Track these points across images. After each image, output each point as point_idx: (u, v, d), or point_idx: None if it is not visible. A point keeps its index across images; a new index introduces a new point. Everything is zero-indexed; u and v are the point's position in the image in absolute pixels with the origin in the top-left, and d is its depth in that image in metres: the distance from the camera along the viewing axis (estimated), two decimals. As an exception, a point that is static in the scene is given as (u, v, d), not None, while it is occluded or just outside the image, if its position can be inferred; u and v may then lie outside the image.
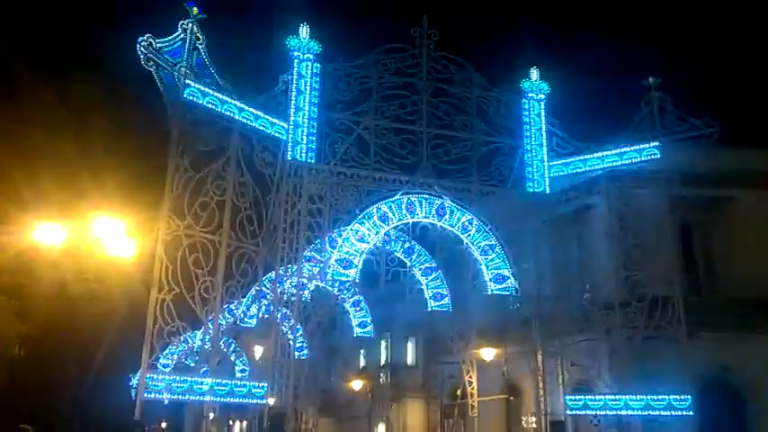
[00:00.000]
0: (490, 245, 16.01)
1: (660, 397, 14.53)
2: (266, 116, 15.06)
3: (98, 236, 11.79)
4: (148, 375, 12.19)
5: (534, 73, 17.54)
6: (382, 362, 30.99)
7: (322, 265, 15.26)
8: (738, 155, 18.97)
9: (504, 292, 15.92)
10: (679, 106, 16.44)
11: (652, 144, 16.14)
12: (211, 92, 14.19)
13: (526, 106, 17.31)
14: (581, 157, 16.82)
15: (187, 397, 12.89)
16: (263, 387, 13.70)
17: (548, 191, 16.73)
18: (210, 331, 13.12)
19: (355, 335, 21.84)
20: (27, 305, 16.11)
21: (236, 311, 13.62)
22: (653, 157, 16.06)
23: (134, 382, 12.85)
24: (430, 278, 18.22)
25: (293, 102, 15.46)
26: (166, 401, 13.23)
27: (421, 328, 25.64)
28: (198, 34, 14.24)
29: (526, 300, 16.22)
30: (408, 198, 15.86)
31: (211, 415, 15.41)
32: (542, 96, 17.44)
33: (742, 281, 18.09)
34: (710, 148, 16.17)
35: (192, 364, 12.86)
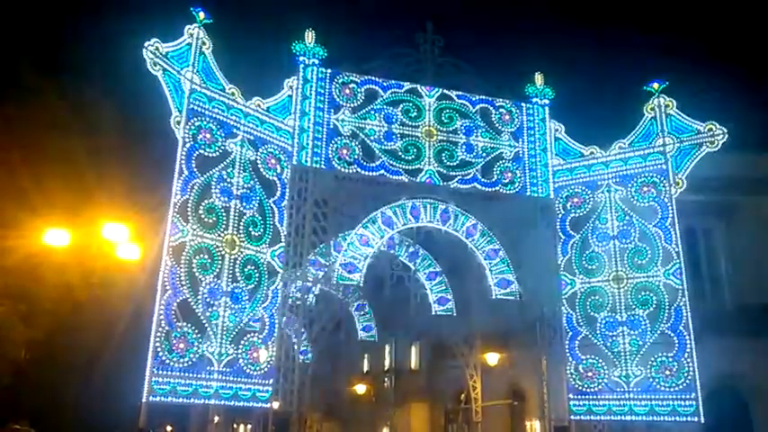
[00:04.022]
0: (494, 249, 16.03)
1: (665, 402, 14.51)
2: (272, 120, 15.16)
3: (104, 240, 11.90)
4: (153, 379, 12.25)
5: (538, 78, 17.56)
6: (386, 366, 31.00)
7: (327, 269, 15.33)
8: (744, 160, 18.98)
9: (508, 297, 15.93)
10: (685, 110, 16.44)
11: (657, 149, 16.14)
12: (217, 96, 14.31)
13: (530, 111, 17.33)
14: (585, 162, 16.82)
15: (192, 401, 12.93)
16: (267, 391, 13.76)
17: (552, 195, 16.74)
18: (216, 335, 13.17)
19: (360, 339, 21.91)
20: (34, 309, 16.21)
21: (241, 315, 13.65)
22: (658, 162, 16.06)
23: (139, 385, 12.88)
24: (434, 282, 18.32)
25: (299, 106, 15.54)
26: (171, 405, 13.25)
27: (425, 332, 25.64)
28: (204, 39, 14.36)
29: (530, 304, 16.20)
30: (413, 202, 15.91)
31: (216, 418, 15.45)
32: (546, 101, 17.46)
33: (747, 287, 18.08)
34: (716, 154, 16.14)
35: (197, 368, 12.87)
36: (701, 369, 14.52)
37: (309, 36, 15.98)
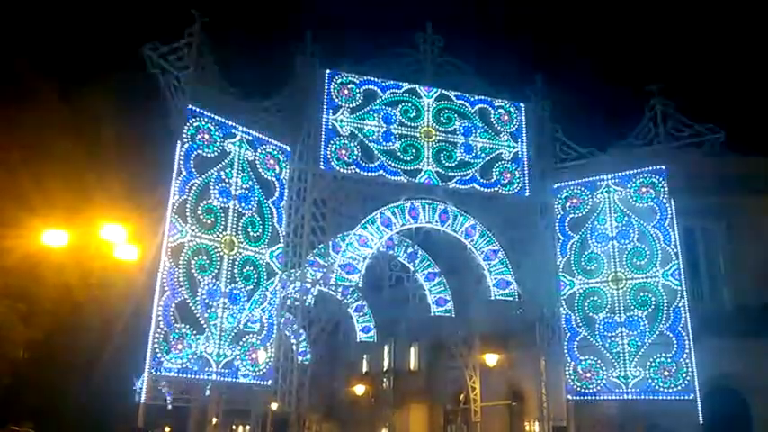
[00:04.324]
0: (493, 250, 16.05)
1: (664, 403, 14.51)
2: (271, 121, 15.15)
3: (103, 240, 11.89)
4: (152, 379, 12.24)
5: (538, 78, 17.57)
6: (385, 367, 30.98)
7: (325, 269, 15.33)
8: (743, 161, 18.99)
9: (507, 298, 15.94)
10: (683, 112, 16.44)
11: (655, 150, 16.13)
12: (216, 96, 14.29)
13: (529, 111, 17.33)
14: (584, 163, 16.83)
15: (190, 402, 12.93)
16: (267, 386, 13.75)
17: (550, 196, 16.74)
18: (214, 336, 13.17)
19: (358, 340, 21.91)
20: (33, 308, 16.21)
21: (239, 316, 13.66)
22: (657, 162, 16.04)
23: (138, 385, 12.89)
24: (433, 283, 18.33)
25: (298, 106, 15.53)
26: (170, 406, 13.26)
27: (424, 333, 25.64)
28: (203, 40, 14.35)
29: (529, 305, 16.21)
30: (411, 203, 15.92)
31: (214, 419, 15.44)
32: (546, 102, 17.45)
33: (746, 287, 18.09)
34: (715, 155, 16.14)
35: (196, 369, 12.87)
36: (700, 369, 14.53)
37: (308, 37, 15.97)
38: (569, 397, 15.39)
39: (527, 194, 16.65)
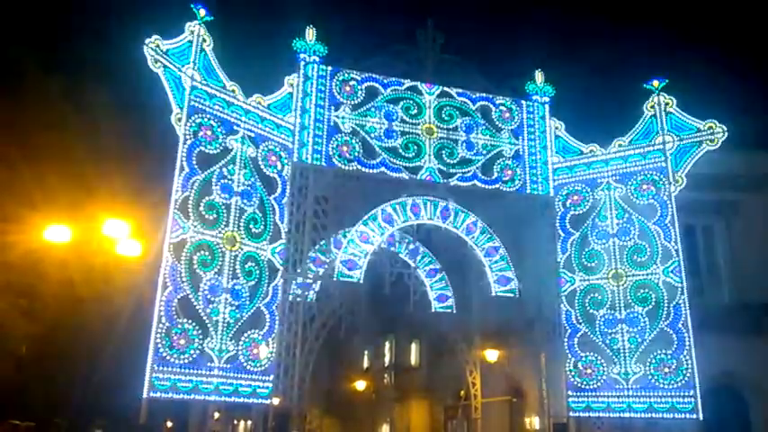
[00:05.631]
0: (494, 247, 16.08)
1: (664, 400, 14.57)
2: (272, 118, 15.20)
3: (105, 236, 11.96)
4: (154, 375, 12.30)
5: (539, 75, 17.57)
6: (386, 363, 31.07)
7: (327, 266, 15.37)
8: (744, 158, 18.99)
9: (507, 294, 15.97)
10: (685, 108, 16.45)
11: (656, 147, 16.17)
12: (218, 93, 14.34)
13: (530, 108, 17.36)
14: (585, 160, 16.85)
15: (192, 396, 13.00)
16: (267, 387, 13.81)
17: (551, 193, 16.77)
18: (216, 331, 13.22)
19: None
20: (35, 304, 16.30)
21: (241, 312, 13.71)
22: (658, 159, 16.08)
23: (140, 380, 12.94)
24: (434, 280, 18.34)
25: (299, 103, 15.58)
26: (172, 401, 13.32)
27: (425, 329, 25.70)
28: (205, 36, 14.39)
29: (530, 301, 16.25)
30: (413, 200, 15.95)
31: (216, 414, 15.51)
32: (546, 99, 17.47)
33: (746, 284, 18.11)
34: (716, 151, 16.15)
35: (198, 364, 12.93)
36: (700, 366, 14.57)
37: (310, 33, 16.03)
38: (569, 393, 15.42)
39: (528, 191, 16.68)
